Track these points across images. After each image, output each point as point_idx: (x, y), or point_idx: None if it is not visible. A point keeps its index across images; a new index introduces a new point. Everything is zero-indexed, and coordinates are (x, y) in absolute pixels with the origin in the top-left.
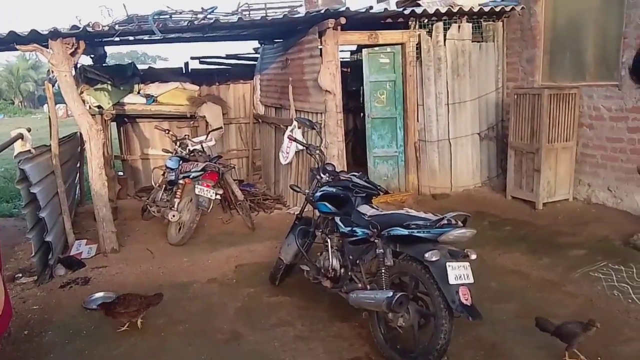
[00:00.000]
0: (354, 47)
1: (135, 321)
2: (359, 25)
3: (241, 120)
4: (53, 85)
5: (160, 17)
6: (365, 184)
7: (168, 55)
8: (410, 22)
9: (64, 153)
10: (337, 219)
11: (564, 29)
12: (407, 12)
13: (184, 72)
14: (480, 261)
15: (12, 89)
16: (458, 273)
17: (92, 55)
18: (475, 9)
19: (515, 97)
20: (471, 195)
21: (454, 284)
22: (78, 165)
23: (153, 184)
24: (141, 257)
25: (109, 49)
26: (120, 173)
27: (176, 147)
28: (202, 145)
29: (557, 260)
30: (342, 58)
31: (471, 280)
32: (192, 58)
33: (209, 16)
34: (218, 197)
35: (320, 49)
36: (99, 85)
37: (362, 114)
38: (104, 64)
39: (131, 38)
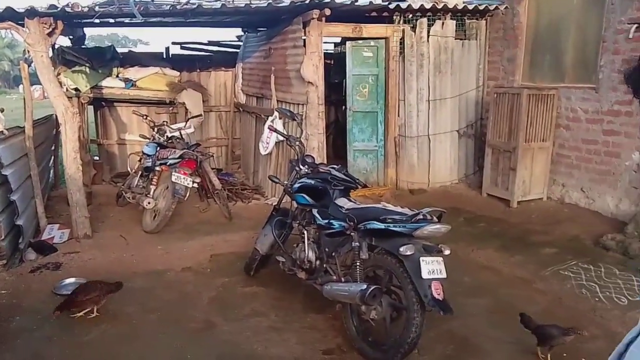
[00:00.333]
0: (338, 39)
1: (99, 307)
2: (344, 17)
3: (222, 108)
4: (29, 66)
5: (142, 0)
6: (344, 177)
7: (149, 39)
8: (394, 17)
9: (38, 135)
10: (315, 211)
11: (546, 30)
12: (392, 6)
13: (164, 57)
14: (454, 256)
15: None
16: (431, 268)
17: (71, 37)
18: (460, 7)
19: (495, 96)
20: (448, 192)
21: (427, 279)
22: (53, 148)
23: (129, 169)
24: (115, 244)
25: (88, 31)
26: (96, 158)
27: (154, 133)
28: (180, 132)
29: (529, 257)
30: (326, 50)
31: (444, 275)
32: (174, 43)
33: (191, 1)
34: (195, 185)
35: (304, 40)
36: (76, 68)
37: (343, 107)
38: (82, 46)
39: (111, 20)
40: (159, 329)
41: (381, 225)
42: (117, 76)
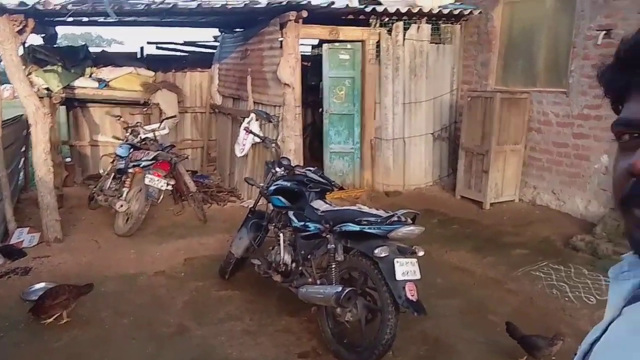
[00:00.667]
0: (315, 41)
1: (69, 312)
2: (321, 19)
3: (197, 109)
4: None
5: None
6: (320, 179)
7: (124, 39)
8: (371, 20)
9: (8, 136)
10: (291, 214)
11: (519, 35)
12: (368, 9)
13: (139, 57)
14: (428, 258)
15: None
16: (405, 269)
17: (43, 35)
18: (435, 11)
19: (469, 99)
20: (422, 194)
21: (401, 280)
22: (23, 149)
23: (101, 171)
24: (86, 248)
25: (60, 30)
26: (68, 159)
27: (127, 134)
28: (154, 134)
29: (501, 258)
30: (303, 52)
31: (418, 277)
32: (149, 43)
33: (167, 1)
34: (169, 187)
35: (281, 41)
36: (48, 67)
37: (320, 109)
38: (54, 45)
39: (85, 19)
40: (131, 333)
41: (356, 228)
42: (90, 76)
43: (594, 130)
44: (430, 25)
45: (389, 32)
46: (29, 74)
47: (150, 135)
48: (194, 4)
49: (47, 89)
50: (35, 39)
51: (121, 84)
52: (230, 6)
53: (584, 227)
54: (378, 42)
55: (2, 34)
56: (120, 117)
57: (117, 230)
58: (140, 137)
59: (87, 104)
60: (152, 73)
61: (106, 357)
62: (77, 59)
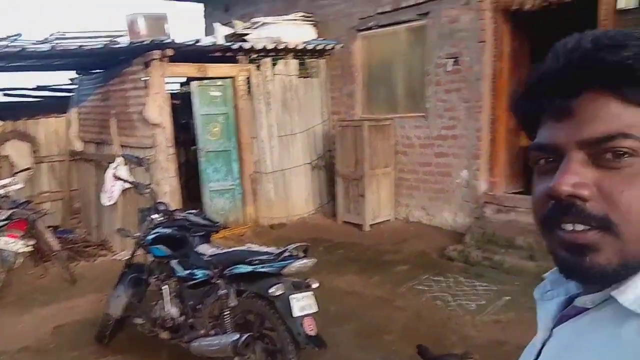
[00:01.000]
0: (183, 79)
1: None
2: (188, 57)
3: (55, 158)
4: None
5: None
6: (203, 221)
7: None
8: (238, 57)
9: None
10: (174, 263)
11: (378, 66)
12: (235, 46)
13: None
14: (319, 286)
15: None
16: (302, 304)
17: None
18: (300, 47)
19: (340, 128)
20: (306, 223)
21: (299, 316)
22: None
23: None
24: None
25: None
26: None
27: None
28: (6, 190)
29: (386, 277)
30: (170, 90)
31: (315, 309)
32: None
33: (14, 44)
34: (28, 248)
35: (145, 81)
36: None
37: (193, 147)
38: None
39: None
40: None
41: (248, 268)
42: None
43: (452, 148)
44: (297, 61)
45: (258, 67)
46: None
47: (2, 192)
48: (45, 47)
49: None
50: None
51: None
52: (87, 48)
53: (455, 238)
54: (248, 77)
55: None
56: None
57: None
58: None
59: None
60: None
61: None
62: None
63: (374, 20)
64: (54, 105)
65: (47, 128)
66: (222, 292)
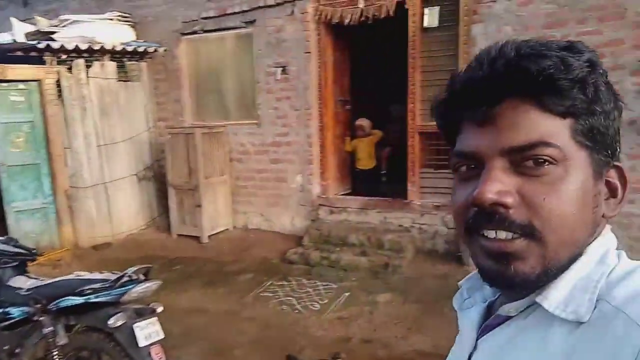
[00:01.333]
0: None
1: None
2: None
3: None
4: None
5: None
6: (15, 249)
7: None
8: (45, 58)
9: None
10: None
11: (207, 72)
12: (41, 46)
13: None
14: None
15: None
16: (147, 332)
17: None
18: (118, 48)
19: (170, 136)
20: (136, 240)
21: (145, 346)
22: None
23: None
24: None
25: None
26: None
27: None
28: None
29: (230, 288)
30: None
31: (162, 336)
32: None
33: None
34: None
35: None
36: None
37: None
38: None
39: None
40: None
41: (79, 299)
42: None
43: (287, 154)
44: (115, 63)
45: (69, 69)
46: None
47: None
48: None
49: None
50: None
51: None
52: None
53: (295, 241)
54: (58, 80)
55: None
56: None
57: None
58: None
59: None
60: None
61: None
62: None
63: (199, 25)
64: None
65: None
66: (47, 330)
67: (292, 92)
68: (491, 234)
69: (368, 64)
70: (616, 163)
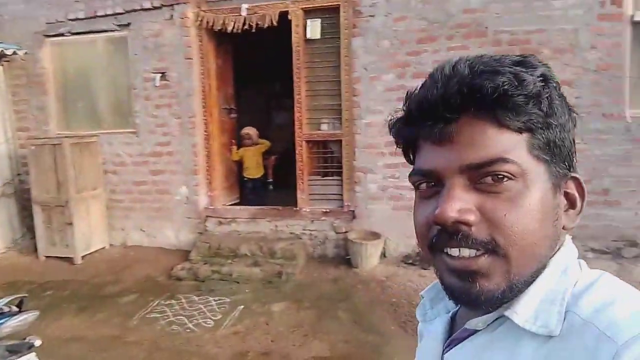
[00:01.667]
0: None
1: None
2: None
3: None
4: None
5: None
6: None
7: None
8: None
9: None
10: None
11: (76, 77)
12: None
13: None
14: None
15: None
16: None
17: None
18: None
19: (33, 148)
20: None
21: None
22: None
23: None
24: None
25: None
26: None
27: None
28: None
29: (111, 312)
30: None
31: None
32: None
33: None
34: None
35: None
36: None
37: None
38: None
39: None
40: None
41: None
42: None
43: (169, 165)
44: None
45: None
46: None
47: None
48: None
49: None
50: None
51: None
52: None
53: (181, 256)
54: None
55: None
56: None
57: None
58: None
59: None
60: None
61: None
62: None
63: (65, 27)
64: None
65: None
66: None
67: (173, 99)
68: (455, 252)
69: (253, 72)
70: (574, 174)
